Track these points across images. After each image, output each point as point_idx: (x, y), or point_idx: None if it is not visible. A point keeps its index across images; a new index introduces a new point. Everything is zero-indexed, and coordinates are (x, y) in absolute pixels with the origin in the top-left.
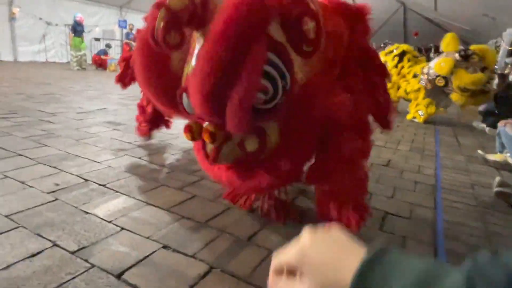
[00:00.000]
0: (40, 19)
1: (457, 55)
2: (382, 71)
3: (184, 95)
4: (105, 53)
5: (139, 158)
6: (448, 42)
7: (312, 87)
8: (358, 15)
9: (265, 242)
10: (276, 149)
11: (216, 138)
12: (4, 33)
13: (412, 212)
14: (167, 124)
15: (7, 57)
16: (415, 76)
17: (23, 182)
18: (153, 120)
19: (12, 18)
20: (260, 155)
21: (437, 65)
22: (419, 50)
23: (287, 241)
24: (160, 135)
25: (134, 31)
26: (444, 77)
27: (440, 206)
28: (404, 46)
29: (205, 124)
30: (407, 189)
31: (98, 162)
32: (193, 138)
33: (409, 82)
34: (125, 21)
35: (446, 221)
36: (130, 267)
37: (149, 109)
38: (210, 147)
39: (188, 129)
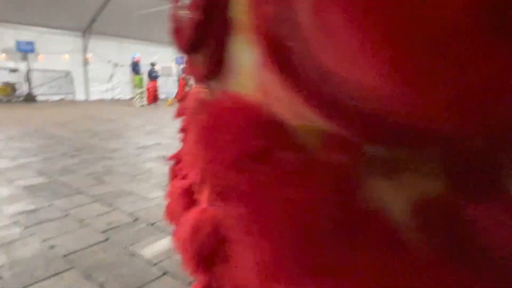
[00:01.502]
0: (109, 61)
1: None
2: None
3: None
4: (155, 77)
5: None
6: None
7: None
8: None
9: None
10: None
11: None
12: (79, 76)
13: None
14: None
15: (81, 96)
16: None
17: (81, 221)
18: None
19: (86, 62)
20: None
21: None
22: None
23: None
24: None
25: None
26: None
27: None
28: None
29: None
30: None
31: (149, 199)
32: None
33: None
34: (182, 57)
35: None
36: None
37: None
38: None
39: None
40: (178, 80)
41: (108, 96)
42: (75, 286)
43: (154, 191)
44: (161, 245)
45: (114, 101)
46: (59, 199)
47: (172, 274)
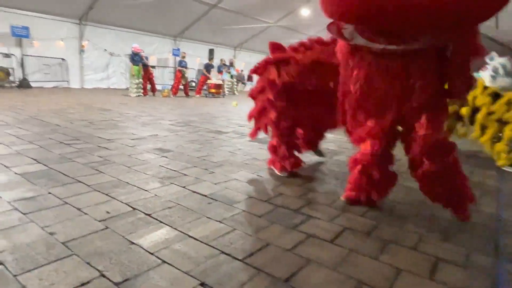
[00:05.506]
0: (105, 50)
1: None
2: None
3: None
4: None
5: (184, 187)
6: None
7: None
8: None
9: (303, 285)
10: None
11: None
12: (74, 64)
13: (468, 259)
14: (298, 161)
15: (75, 84)
16: None
17: (79, 209)
18: (288, 156)
19: (81, 50)
20: None
21: None
22: None
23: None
24: (203, 163)
25: (186, 59)
26: None
27: (503, 253)
28: None
29: None
30: (462, 231)
31: (146, 190)
32: None
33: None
34: (178, 49)
35: (510, 273)
36: None
37: (281, 149)
38: None
39: None
40: (175, 72)
41: (103, 85)
42: (75, 271)
43: (150, 183)
44: (158, 235)
45: (110, 91)
46: (57, 187)
47: (170, 263)
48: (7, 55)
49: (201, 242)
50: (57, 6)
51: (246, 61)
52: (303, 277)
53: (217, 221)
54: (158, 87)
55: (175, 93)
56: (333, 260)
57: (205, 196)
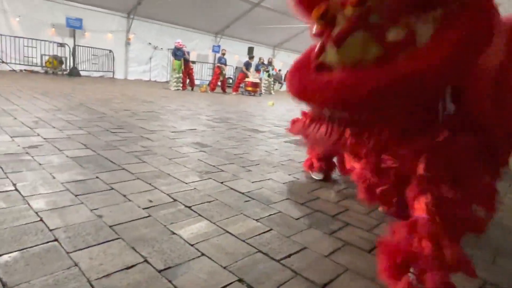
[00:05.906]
0: (149, 44)
1: None
2: None
3: None
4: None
5: (221, 183)
6: None
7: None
8: None
9: None
10: (417, 51)
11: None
12: (120, 56)
13: None
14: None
15: (120, 75)
16: None
17: (124, 195)
18: (319, 157)
19: (127, 42)
20: (400, 49)
21: None
22: None
23: None
24: (240, 160)
25: (225, 56)
26: None
27: None
28: None
29: None
30: None
31: (186, 183)
32: (322, 16)
33: None
34: (218, 46)
35: None
36: None
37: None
38: (339, 27)
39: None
40: (213, 68)
41: (145, 77)
42: (121, 255)
43: (190, 176)
44: (198, 228)
45: (151, 83)
46: (104, 173)
47: (209, 256)
48: (61, 45)
49: (238, 238)
50: (109, 0)
51: (285, 61)
52: (341, 285)
53: (254, 219)
54: (196, 82)
55: (212, 89)
56: (372, 270)
57: (242, 193)
